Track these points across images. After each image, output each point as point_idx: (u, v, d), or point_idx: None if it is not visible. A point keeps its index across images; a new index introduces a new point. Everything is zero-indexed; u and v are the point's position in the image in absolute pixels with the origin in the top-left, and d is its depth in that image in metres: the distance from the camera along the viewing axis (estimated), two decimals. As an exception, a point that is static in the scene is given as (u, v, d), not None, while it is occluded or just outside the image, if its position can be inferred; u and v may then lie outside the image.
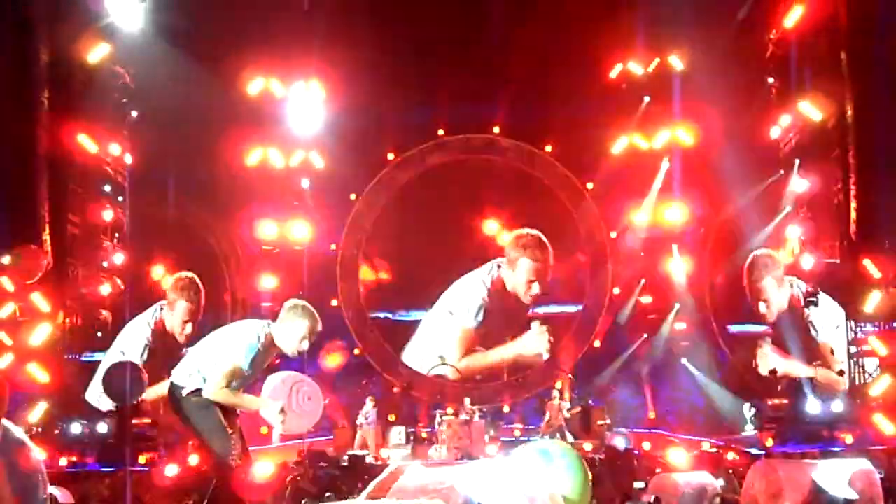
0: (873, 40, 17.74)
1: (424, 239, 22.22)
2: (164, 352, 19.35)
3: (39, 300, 17.06)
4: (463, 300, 22.15)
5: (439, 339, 22.59)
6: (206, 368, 7.21)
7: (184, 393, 7.25)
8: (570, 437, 18.83)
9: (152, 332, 19.78)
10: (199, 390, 7.27)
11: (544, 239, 21.65)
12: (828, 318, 19.73)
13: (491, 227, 22.11)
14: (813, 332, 20.13)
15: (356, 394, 20.49)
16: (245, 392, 7.38)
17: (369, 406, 19.51)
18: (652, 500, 9.96)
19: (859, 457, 9.58)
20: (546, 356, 22.18)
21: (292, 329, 7.30)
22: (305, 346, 7.41)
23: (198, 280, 20.08)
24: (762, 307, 20.99)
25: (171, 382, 7.32)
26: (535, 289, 21.44)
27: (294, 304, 7.47)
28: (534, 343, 22.35)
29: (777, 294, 20.78)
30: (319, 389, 7.67)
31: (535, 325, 22.17)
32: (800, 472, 7.54)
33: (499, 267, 21.67)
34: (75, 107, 18.18)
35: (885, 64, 17.43)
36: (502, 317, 22.14)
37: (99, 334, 19.20)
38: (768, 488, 7.50)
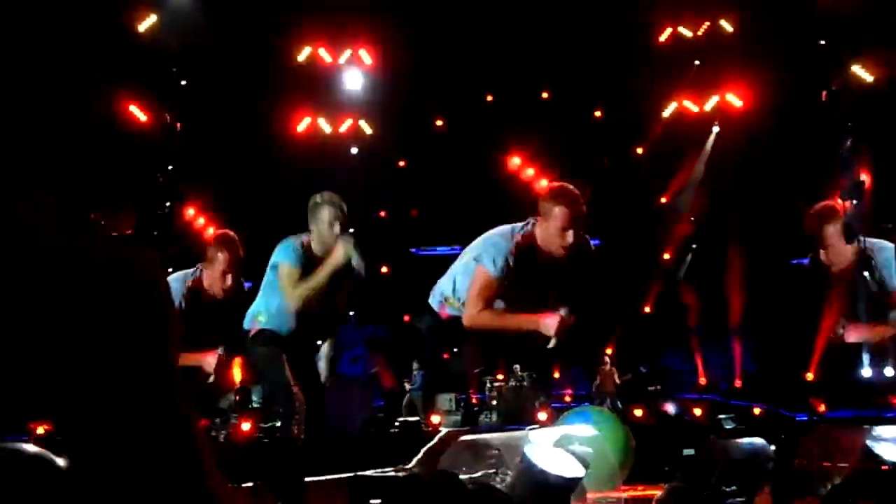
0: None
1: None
2: (199, 313, 19.45)
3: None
4: (488, 246, 22.02)
5: (461, 284, 22.49)
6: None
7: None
8: (620, 404, 18.84)
9: (188, 290, 20.00)
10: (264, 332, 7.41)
11: (576, 190, 21.54)
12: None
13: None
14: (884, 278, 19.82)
15: (407, 362, 20.58)
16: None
17: (415, 370, 19.59)
18: (702, 463, 9.95)
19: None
20: (553, 344, 21.84)
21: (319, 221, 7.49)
22: (338, 229, 7.50)
23: (235, 237, 20.20)
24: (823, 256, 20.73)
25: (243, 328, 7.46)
26: (570, 238, 21.24)
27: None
28: (551, 327, 22.20)
29: (841, 245, 20.50)
30: None
31: (563, 310, 21.99)
32: (852, 436, 7.50)
33: (532, 224, 21.48)
34: (126, 77, 18.34)
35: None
36: (528, 279, 21.95)
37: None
38: (821, 453, 7.47)
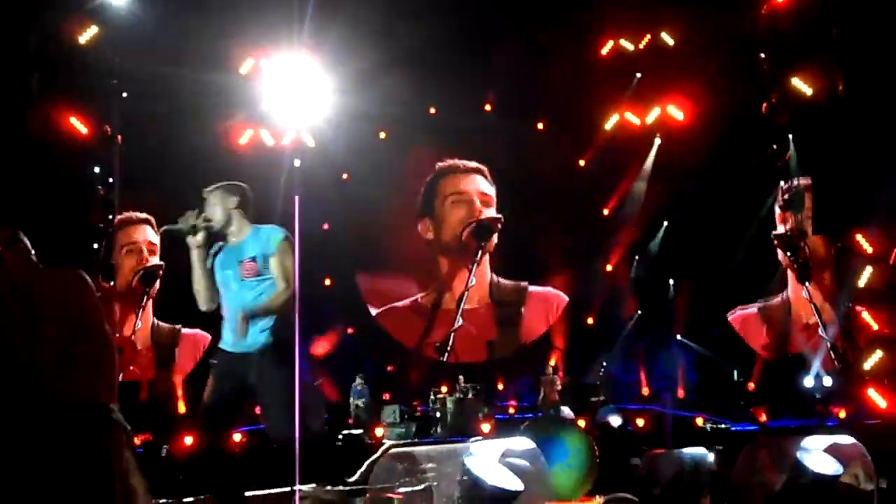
0: (864, 13, 17.73)
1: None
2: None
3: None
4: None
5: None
6: None
7: None
8: (566, 411, 18.81)
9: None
10: None
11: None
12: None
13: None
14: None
15: (350, 374, 20.53)
16: None
17: (359, 383, 19.57)
18: (645, 475, 9.99)
19: (847, 432, 9.60)
20: None
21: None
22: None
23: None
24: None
25: None
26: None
27: None
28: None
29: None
30: None
31: None
32: (784, 447, 7.57)
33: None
34: (65, 90, 18.19)
35: (877, 38, 17.40)
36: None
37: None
38: (754, 464, 7.54)
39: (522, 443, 6.07)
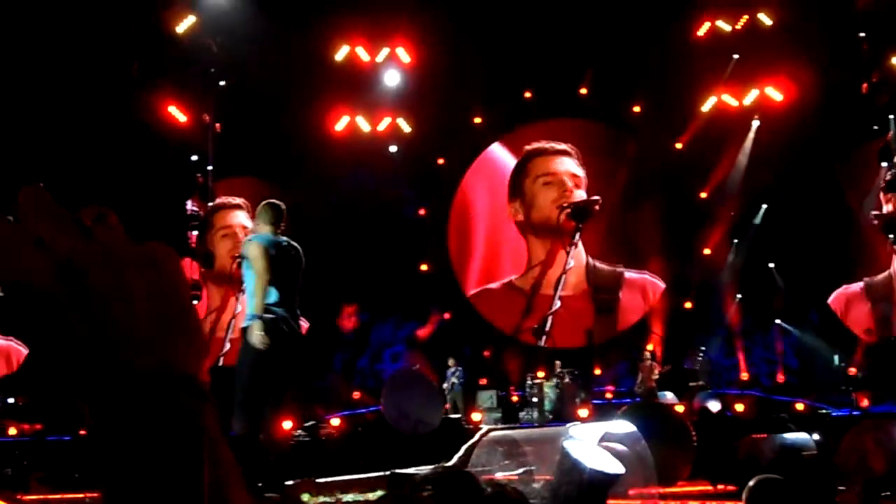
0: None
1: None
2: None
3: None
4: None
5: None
6: None
7: None
8: (669, 397, 18.64)
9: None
10: None
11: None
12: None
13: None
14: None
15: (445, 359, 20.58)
16: None
17: (451, 367, 19.64)
18: (745, 460, 9.89)
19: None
20: None
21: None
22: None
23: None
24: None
25: None
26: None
27: None
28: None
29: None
30: None
31: None
32: (890, 432, 7.46)
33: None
34: (165, 78, 18.48)
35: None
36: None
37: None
38: (861, 449, 7.44)
39: (623, 426, 6.04)
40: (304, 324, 11.92)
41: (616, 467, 4.86)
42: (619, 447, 6.51)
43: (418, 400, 14.00)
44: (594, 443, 5.55)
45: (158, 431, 1.15)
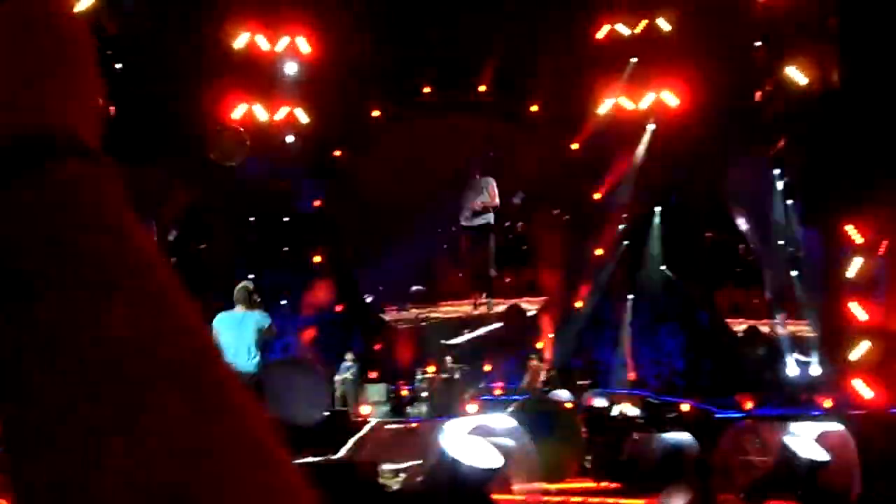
0: (864, 5, 17.74)
1: (406, 197, 22.28)
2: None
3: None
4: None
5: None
6: None
7: None
8: (561, 395, 18.79)
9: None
10: None
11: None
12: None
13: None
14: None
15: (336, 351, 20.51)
16: None
17: (349, 361, 19.57)
18: (629, 459, 10.03)
19: (834, 420, 9.63)
20: None
21: None
22: None
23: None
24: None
25: None
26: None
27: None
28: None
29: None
30: None
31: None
32: (771, 433, 7.59)
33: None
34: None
35: (875, 30, 17.41)
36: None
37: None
38: (739, 449, 7.57)
39: (502, 420, 6.03)
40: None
41: (494, 461, 4.85)
42: (506, 442, 6.53)
43: (299, 391, 14.03)
44: (471, 437, 5.56)
45: (38, 212, 0.72)
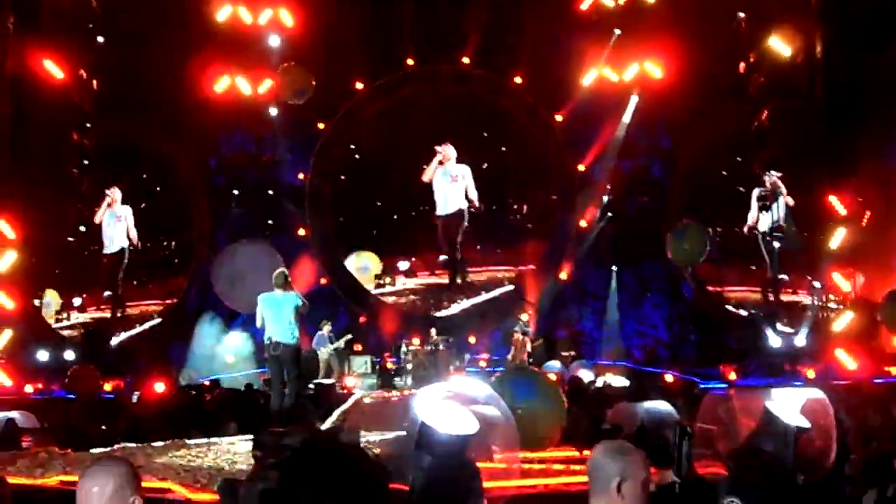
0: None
1: (390, 171, 22.32)
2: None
3: (4, 227, 16.94)
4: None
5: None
6: None
7: None
8: (555, 366, 18.87)
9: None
10: None
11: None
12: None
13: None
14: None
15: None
16: None
17: (325, 333, 19.67)
18: (611, 427, 10.07)
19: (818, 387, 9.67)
20: None
21: None
22: None
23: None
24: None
25: None
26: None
27: None
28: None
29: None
30: None
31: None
32: (752, 399, 7.61)
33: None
34: (42, 32, 18.04)
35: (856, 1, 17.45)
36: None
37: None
38: (721, 415, 7.59)
39: (480, 387, 6.01)
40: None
41: (469, 427, 4.83)
42: (489, 410, 6.55)
43: (253, 274, 15.23)
44: (445, 402, 5.55)
45: None
